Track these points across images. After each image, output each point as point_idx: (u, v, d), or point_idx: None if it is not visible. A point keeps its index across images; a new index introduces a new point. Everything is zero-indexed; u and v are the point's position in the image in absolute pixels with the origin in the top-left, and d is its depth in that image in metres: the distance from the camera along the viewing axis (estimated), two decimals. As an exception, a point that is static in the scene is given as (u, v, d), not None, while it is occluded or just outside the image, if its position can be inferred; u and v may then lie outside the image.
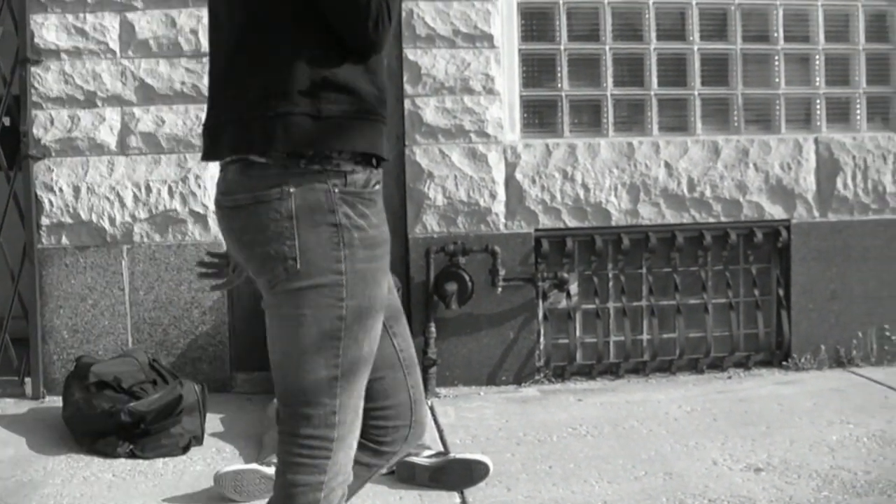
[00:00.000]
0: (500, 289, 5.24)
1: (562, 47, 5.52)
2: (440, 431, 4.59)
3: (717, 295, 5.65)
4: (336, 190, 1.94)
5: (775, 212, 5.61)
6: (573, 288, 5.50)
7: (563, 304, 5.50)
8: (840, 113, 5.85)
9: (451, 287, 5.17)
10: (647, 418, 4.73)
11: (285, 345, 1.97)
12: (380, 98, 2.04)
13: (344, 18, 1.92)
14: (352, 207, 1.95)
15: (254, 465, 3.74)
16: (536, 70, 5.56)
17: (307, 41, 1.93)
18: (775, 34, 5.73)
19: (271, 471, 3.56)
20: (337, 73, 1.94)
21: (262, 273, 1.96)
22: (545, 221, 5.39)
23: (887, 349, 5.77)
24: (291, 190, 1.90)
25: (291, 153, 1.91)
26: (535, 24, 5.56)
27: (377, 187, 2.07)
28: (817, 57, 5.79)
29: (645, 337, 5.61)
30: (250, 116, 1.93)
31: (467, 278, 5.19)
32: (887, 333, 5.77)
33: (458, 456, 3.86)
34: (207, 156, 2.07)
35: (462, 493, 3.73)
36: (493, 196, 5.33)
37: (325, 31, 1.94)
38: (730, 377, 5.52)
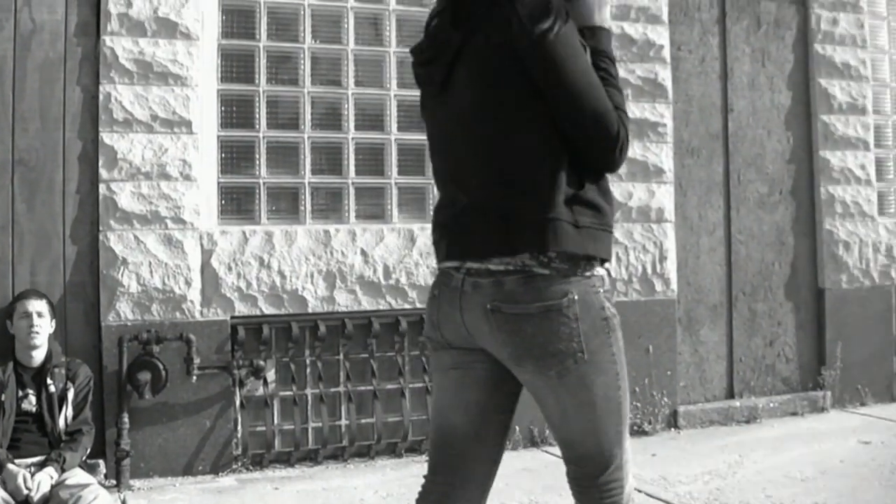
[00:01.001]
0: (195, 377, 5.74)
1: (261, 134, 6.16)
2: None
3: (414, 379, 6.40)
4: (602, 290, 2.56)
5: None
6: (270, 375, 6.06)
7: (261, 391, 6.04)
8: None
9: (145, 376, 5.60)
10: None
11: (581, 419, 2.58)
12: (612, 212, 2.62)
13: (597, 144, 2.50)
14: (610, 302, 2.57)
15: None
16: (235, 156, 6.14)
17: (557, 160, 2.49)
18: (470, 126, 6.76)
19: None
20: (584, 191, 2.52)
21: (552, 366, 2.52)
22: (241, 308, 5.97)
23: None
24: (575, 297, 2.49)
25: (568, 260, 2.49)
26: (235, 111, 6.15)
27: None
28: None
29: (343, 422, 6.24)
30: (520, 223, 2.49)
31: (161, 367, 5.65)
32: None
33: None
34: (466, 255, 2.59)
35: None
36: (188, 283, 5.86)
37: (570, 152, 2.51)
38: (427, 460, 6.31)
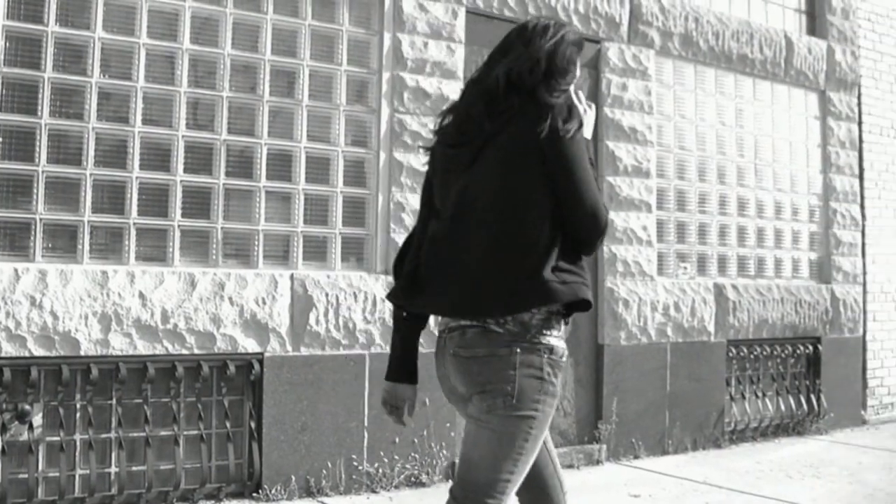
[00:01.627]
0: None
1: (40, 169, 6.21)
2: None
3: (189, 426, 6.55)
4: (547, 356, 3.28)
5: (249, 345, 6.73)
6: (36, 419, 6.07)
7: (25, 436, 6.04)
8: (317, 250, 7.14)
9: None
10: None
11: (486, 448, 3.25)
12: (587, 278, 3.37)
13: (589, 234, 3.28)
14: (553, 369, 3.31)
15: None
16: (11, 189, 6.17)
17: (551, 238, 3.24)
18: (258, 171, 6.95)
19: None
20: (562, 263, 3.26)
21: (486, 399, 3.24)
22: (8, 349, 5.96)
23: (355, 478, 7.05)
24: (518, 351, 3.24)
25: (521, 325, 3.27)
26: (12, 144, 6.18)
27: (564, 359, 3.34)
28: (297, 196, 7.09)
29: (113, 470, 6.30)
30: (499, 289, 3.26)
31: None
32: (355, 463, 7.08)
33: None
34: (455, 313, 3.37)
35: None
36: None
37: (562, 232, 3.27)
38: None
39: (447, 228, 3.40)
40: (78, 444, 6.28)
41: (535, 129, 3.21)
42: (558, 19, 3.58)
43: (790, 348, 10.08)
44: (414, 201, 7.33)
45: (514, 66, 3.34)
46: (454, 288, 3.32)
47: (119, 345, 6.30)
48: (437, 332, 3.53)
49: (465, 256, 3.31)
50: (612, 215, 8.53)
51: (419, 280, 3.44)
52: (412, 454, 7.28)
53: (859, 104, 11.07)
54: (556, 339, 3.34)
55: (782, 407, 9.95)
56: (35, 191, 6.25)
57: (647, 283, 8.78)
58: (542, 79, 3.33)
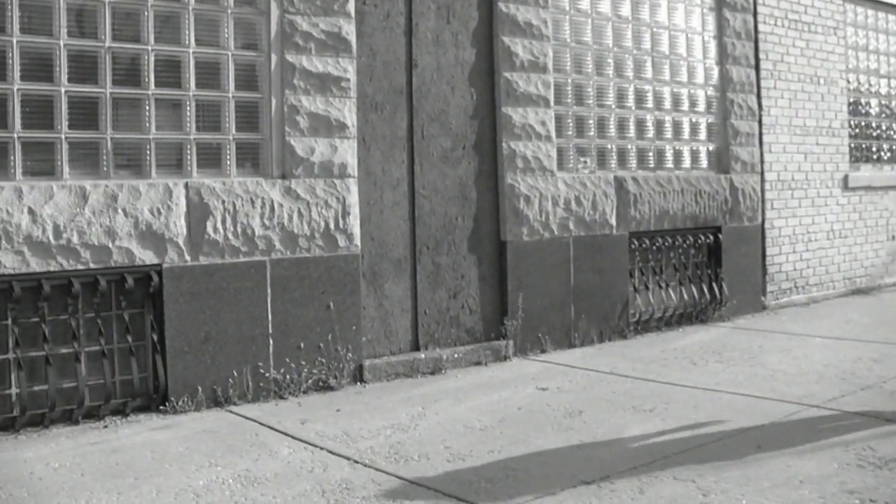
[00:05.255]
0: None
1: None
2: None
3: (90, 343, 6.47)
4: None
5: (146, 257, 6.62)
6: None
7: None
8: (211, 158, 7.03)
9: None
10: (8, 481, 5.14)
11: None
12: None
13: None
14: None
15: None
16: None
17: None
18: (147, 79, 6.77)
19: None
20: None
21: None
22: None
23: (263, 386, 7.06)
24: None
25: None
26: None
27: None
28: (189, 103, 6.94)
29: (14, 391, 6.22)
30: None
31: None
32: (262, 370, 7.07)
33: None
34: None
35: None
36: None
37: None
38: (106, 426, 6.31)
39: None
40: (-25, 365, 6.16)
41: None
42: None
43: (691, 238, 10.28)
44: (308, 103, 7.25)
45: None
46: None
47: (11, 263, 6.17)
48: None
49: None
50: (509, 111, 8.55)
51: None
52: (319, 359, 7.31)
53: (753, -7, 11.17)
54: None
55: (685, 296, 10.16)
56: (-89, 108, 6.03)
57: (548, 179, 8.84)
58: None
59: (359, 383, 7.55)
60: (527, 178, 8.65)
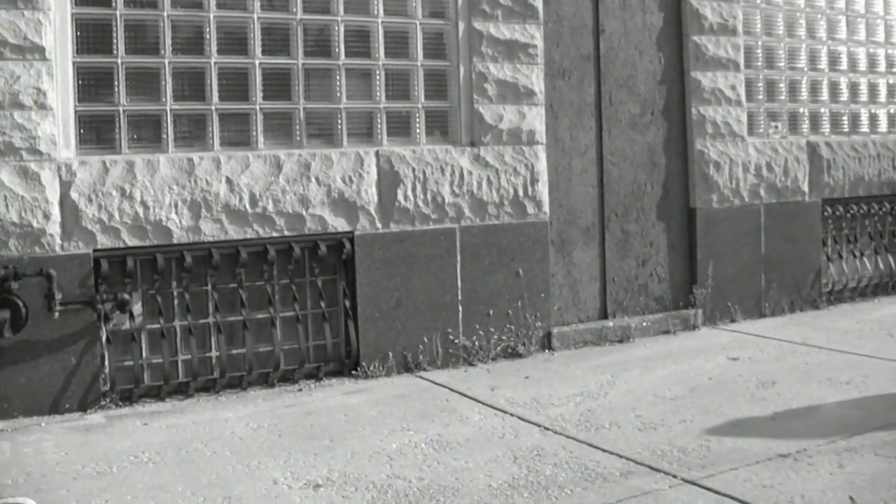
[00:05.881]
0: (57, 313, 5.75)
1: (119, 60, 6.12)
2: None
3: (285, 308, 6.54)
4: None
5: (338, 224, 6.64)
6: (136, 308, 6.12)
7: (127, 325, 6.10)
8: (400, 126, 6.99)
9: (4, 314, 5.58)
10: (212, 439, 5.29)
11: None
12: None
13: None
14: None
15: None
16: (93, 84, 6.10)
17: None
18: (337, 49, 6.77)
19: None
20: None
21: None
22: (104, 241, 5.97)
23: (452, 352, 7.01)
24: None
25: None
26: (91, 36, 6.09)
27: None
28: (378, 72, 6.90)
29: (213, 354, 6.35)
30: None
31: (21, 304, 5.66)
32: (451, 337, 7.02)
33: (1, 501, 4.14)
34: None
35: (3, 539, 4.07)
36: (47, 217, 5.84)
37: None
38: (300, 389, 6.38)
39: None
40: (178, 330, 6.32)
41: None
42: None
43: (888, 205, 9.75)
44: (496, 71, 7.14)
45: None
46: None
47: (210, 231, 6.27)
48: None
49: None
50: (698, 75, 8.25)
51: None
52: (507, 326, 7.21)
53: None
54: None
55: (881, 266, 9.67)
56: (116, 83, 6.18)
57: (738, 144, 8.50)
58: None
59: (546, 351, 7.43)
60: (716, 143, 8.34)
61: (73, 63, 6.04)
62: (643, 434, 5.26)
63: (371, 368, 6.69)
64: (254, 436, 5.35)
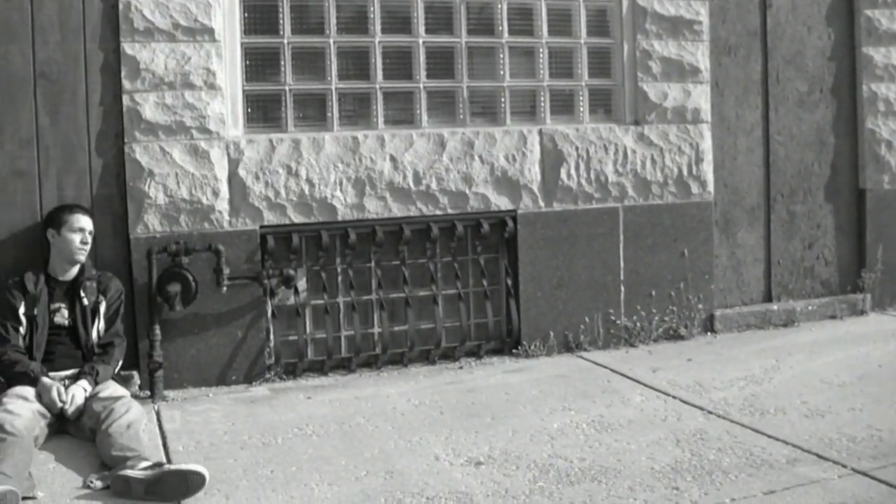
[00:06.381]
0: (225, 288, 5.66)
1: (286, 40, 5.98)
2: (164, 438, 4.82)
3: (447, 286, 6.32)
4: None
5: (501, 202, 6.36)
6: (301, 284, 6.00)
7: (292, 300, 5.98)
8: (564, 104, 6.64)
9: (175, 288, 5.53)
10: (374, 414, 5.17)
11: None
12: None
13: None
14: None
15: None
16: (260, 64, 5.98)
17: None
18: (500, 27, 6.46)
19: None
20: None
21: None
22: (270, 218, 5.86)
23: (613, 333, 6.66)
24: None
25: None
26: (258, 17, 5.97)
27: None
28: (541, 50, 6.56)
29: (376, 330, 6.18)
30: None
31: (191, 278, 5.58)
32: (612, 317, 6.67)
33: (174, 467, 4.05)
34: None
35: (179, 504, 4.03)
36: (216, 193, 5.76)
37: None
38: (461, 367, 6.17)
39: None
40: (341, 306, 6.17)
41: None
42: None
43: None
44: (660, 48, 6.72)
45: None
46: None
47: (374, 208, 6.09)
48: None
49: None
50: (870, 51, 7.63)
51: None
52: (669, 307, 6.82)
53: None
54: None
55: None
56: (282, 62, 6.03)
57: (912, 123, 7.85)
58: None
59: (709, 333, 7.01)
60: (889, 122, 7.71)
61: (241, 44, 5.94)
62: (810, 421, 4.90)
63: (531, 347, 6.41)
64: (415, 412, 5.22)
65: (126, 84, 5.61)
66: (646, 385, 5.67)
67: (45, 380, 4.77)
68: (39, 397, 4.68)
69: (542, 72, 6.59)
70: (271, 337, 5.96)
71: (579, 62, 6.68)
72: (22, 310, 4.97)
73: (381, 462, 4.37)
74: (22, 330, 4.95)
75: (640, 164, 6.66)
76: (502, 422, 4.98)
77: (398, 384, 5.81)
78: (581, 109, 6.69)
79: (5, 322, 4.95)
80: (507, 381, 5.81)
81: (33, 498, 3.95)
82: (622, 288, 6.69)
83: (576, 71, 6.69)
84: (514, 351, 6.43)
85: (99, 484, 4.11)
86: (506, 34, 6.49)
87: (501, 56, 6.48)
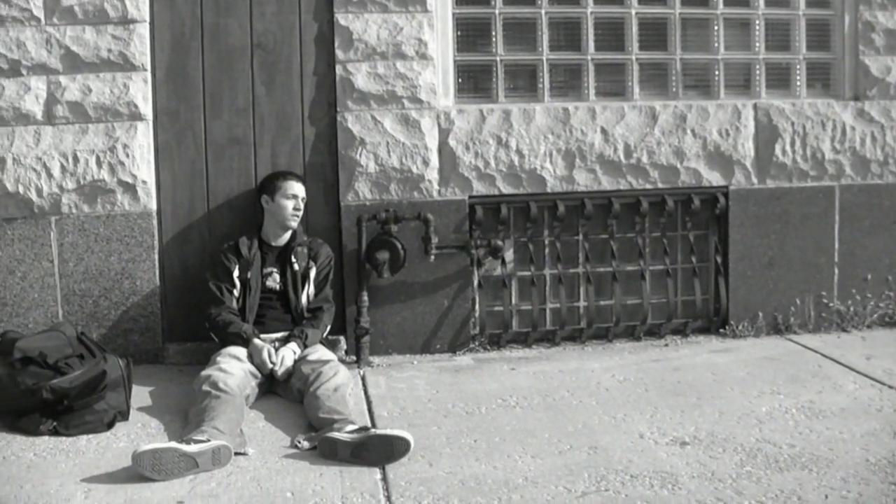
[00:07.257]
0: (433, 257, 5.49)
1: (497, 11, 5.74)
2: (369, 403, 4.79)
3: (655, 261, 5.97)
4: None
5: (713, 178, 5.99)
6: (508, 255, 5.77)
7: (498, 271, 5.77)
8: (779, 78, 6.15)
9: (383, 255, 5.43)
10: (578, 388, 4.97)
11: None
12: None
13: None
14: None
15: (172, 444, 3.83)
16: (471, 34, 5.77)
17: None
18: (714, -2, 5.99)
19: (190, 448, 3.74)
20: None
21: None
22: (479, 188, 5.68)
23: (825, 316, 6.17)
24: None
25: None
26: (468, -13, 5.67)
27: None
28: (757, 22, 6.09)
29: (581, 304, 5.91)
30: None
31: (399, 246, 5.46)
32: (825, 300, 6.19)
33: (380, 432, 4.00)
34: None
35: (383, 469, 3.88)
36: (426, 163, 5.62)
37: None
38: (666, 345, 5.87)
39: None
40: (547, 278, 5.91)
41: None
42: None
43: None
44: (884, 19, 6.32)
45: None
46: None
47: (583, 181, 5.81)
48: None
49: None
50: None
51: None
52: (886, 292, 6.30)
53: None
54: None
55: None
56: (493, 33, 5.82)
57: None
58: None
59: (931, 323, 6.45)
60: None
61: (453, 14, 5.75)
62: None
63: (739, 328, 6.03)
64: (619, 388, 5.01)
65: (339, 54, 5.53)
66: (859, 372, 5.26)
67: (256, 341, 4.79)
68: (251, 358, 4.70)
69: (757, 44, 6.15)
70: (477, 307, 5.77)
71: (797, 34, 6.23)
72: (236, 273, 5.01)
73: (585, 437, 4.22)
74: (236, 293, 5.00)
75: (859, 141, 6.21)
76: (708, 402, 4.74)
77: (602, 359, 5.59)
78: (797, 84, 6.25)
79: (220, 284, 5.00)
80: (713, 361, 5.52)
81: (245, 454, 4.00)
82: (836, 270, 6.23)
83: (793, 43, 6.21)
84: (720, 330, 6.05)
85: (306, 444, 4.09)
86: (721, 5, 6.06)
87: (716, 27, 6.10)
